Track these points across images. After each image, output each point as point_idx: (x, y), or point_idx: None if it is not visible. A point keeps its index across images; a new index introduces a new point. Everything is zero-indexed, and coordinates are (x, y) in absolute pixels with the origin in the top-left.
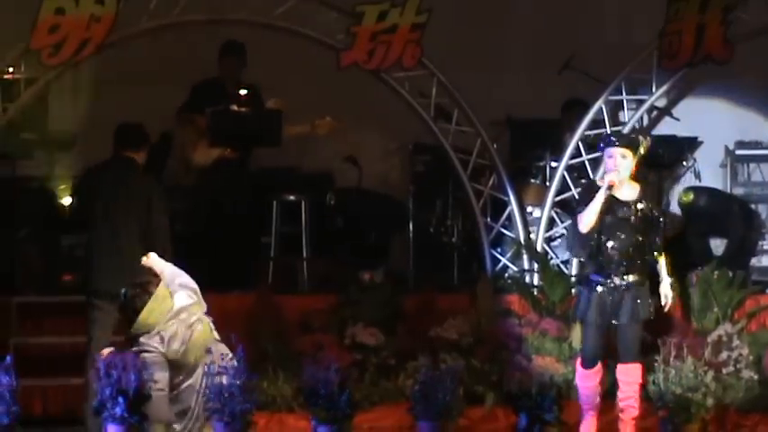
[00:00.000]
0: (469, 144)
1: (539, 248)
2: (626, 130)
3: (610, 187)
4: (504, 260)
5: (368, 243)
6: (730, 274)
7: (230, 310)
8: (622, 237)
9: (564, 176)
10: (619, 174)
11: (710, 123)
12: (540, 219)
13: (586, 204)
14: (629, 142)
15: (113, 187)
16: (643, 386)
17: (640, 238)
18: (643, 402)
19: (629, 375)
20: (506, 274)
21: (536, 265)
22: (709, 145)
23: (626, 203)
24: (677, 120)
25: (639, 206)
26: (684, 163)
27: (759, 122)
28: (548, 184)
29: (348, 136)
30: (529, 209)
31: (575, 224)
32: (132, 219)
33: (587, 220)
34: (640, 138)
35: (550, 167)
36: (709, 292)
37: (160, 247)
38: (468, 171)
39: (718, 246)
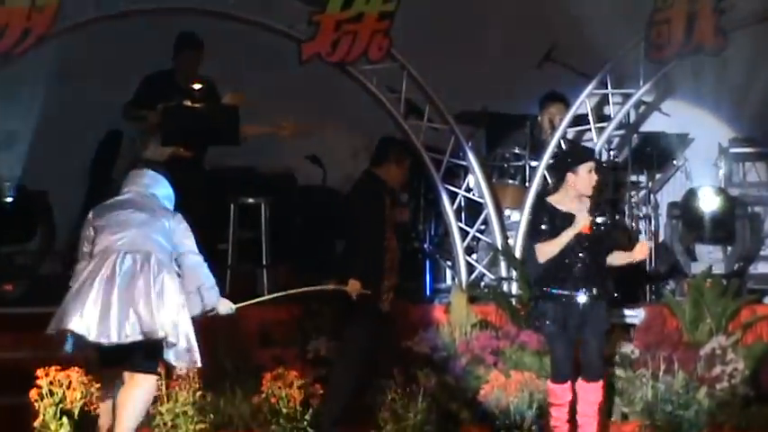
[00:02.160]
0: (442, 142)
1: (517, 255)
2: (612, 126)
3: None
4: (479, 267)
5: (331, 249)
6: (724, 281)
7: None
8: (580, 254)
9: (544, 177)
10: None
11: (702, 119)
12: (518, 223)
13: (546, 235)
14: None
15: None
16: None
17: (599, 252)
18: (627, 419)
19: (589, 393)
20: (482, 283)
21: (514, 273)
22: (702, 142)
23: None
24: (667, 115)
25: (598, 220)
26: (674, 162)
27: (755, 117)
28: (527, 185)
29: (312, 133)
30: (507, 212)
31: (531, 251)
32: None
33: (546, 255)
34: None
35: (530, 167)
36: (702, 301)
37: None
38: (440, 171)
39: (710, 252)
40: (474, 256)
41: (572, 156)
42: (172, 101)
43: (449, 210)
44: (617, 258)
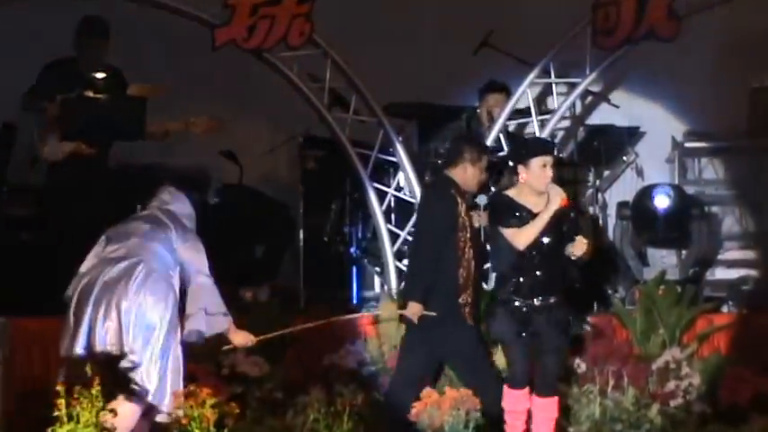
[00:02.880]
0: (370, 136)
1: None
2: (556, 118)
3: (564, 206)
4: None
5: (250, 254)
6: (678, 288)
7: None
8: (540, 254)
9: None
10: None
11: (655, 111)
12: None
13: (513, 224)
14: (554, 148)
15: None
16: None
17: (559, 256)
18: None
19: (545, 410)
20: None
21: None
22: (654, 136)
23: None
24: (616, 107)
25: (560, 223)
26: (624, 158)
27: (711, 109)
28: None
29: (226, 127)
30: None
31: (499, 240)
32: None
33: (527, 238)
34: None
35: None
36: (654, 310)
37: None
38: (368, 168)
39: (663, 256)
40: (405, 261)
41: (526, 147)
42: (73, 91)
43: (377, 210)
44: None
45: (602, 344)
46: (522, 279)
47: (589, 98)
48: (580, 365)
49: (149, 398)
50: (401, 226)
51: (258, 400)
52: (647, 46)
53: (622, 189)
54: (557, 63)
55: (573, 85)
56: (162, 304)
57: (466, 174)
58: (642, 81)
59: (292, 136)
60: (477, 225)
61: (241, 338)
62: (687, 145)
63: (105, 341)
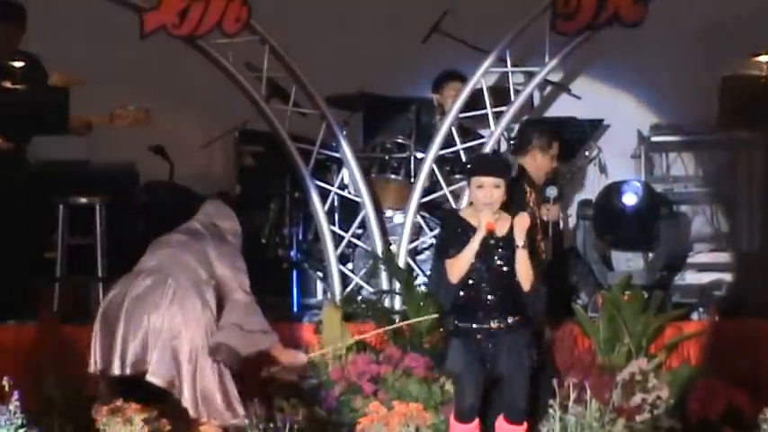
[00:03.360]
0: (312, 130)
1: (401, 263)
2: (512, 110)
3: (488, 231)
4: (356, 279)
5: None
6: (645, 294)
7: (3, 346)
8: (497, 276)
9: (433, 171)
10: (492, 207)
11: (619, 102)
12: (402, 225)
13: (454, 248)
14: (503, 169)
15: None
16: None
17: (512, 270)
18: None
19: None
20: (360, 297)
21: (398, 285)
22: (618, 129)
23: (499, 240)
24: (577, 98)
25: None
26: (587, 153)
27: (680, 100)
28: (412, 181)
29: (156, 120)
30: (388, 213)
31: (437, 269)
32: None
33: (459, 270)
34: (511, 159)
35: (416, 160)
36: (619, 318)
37: None
38: (310, 165)
39: (629, 259)
40: (350, 265)
41: (468, 165)
42: None
43: (319, 210)
44: (518, 263)
45: (562, 354)
46: (475, 303)
47: (548, 88)
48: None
49: (192, 414)
50: (345, 227)
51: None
52: (611, 32)
53: (584, 186)
54: (513, 50)
55: (531, 75)
56: (193, 320)
57: (536, 162)
58: (606, 70)
59: (228, 130)
60: (546, 219)
61: (289, 357)
62: (654, 139)
63: (138, 359)
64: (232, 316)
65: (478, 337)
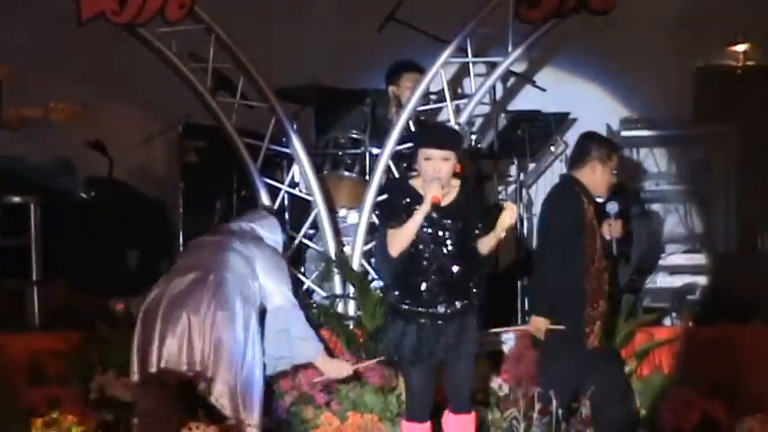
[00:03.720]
0: (260, 124)
1: (355, 266)
2: (473, 103)
3: (433, 206)
4: (308, 282)
5: (122, 260)
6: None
7: None
8: (444, 253)
9: (389, 168)
10: (440, 181)
11: (587, 95)
12: (356, 226)
13: (396, 219)
14: (453, 141)
15: None
16: None
17: (462, 251)
18: None
19: (459, 428)
20: (312, 301)
21: (352, 289)
22: (586, 124)
23: (445, 212)
24: (542, 90)
25: (463, 213)
26: (552, 148)
27: (652, 93)
28: (367, 178)
29: (94, 113)
30: (342, 212)
31: (382, 242)
32: None
33: (400, 244)
34: (465, 129)
35: (371, 156)
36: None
37: None
38: (258, 161)
39: None
40: (301, 268)
41: (418, 135)
42: None
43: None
44: (484, 245)
45: (526, 362)
46: (419, 283)
47: (511, 80)
48: (502, 387)
49: (232, 420)
50: (296, 227)
51: (131, 428)
52: (579, 20)
53: (550, 184)
54: (474, 40)
55: (493, 65)
56: (234, 319)
57: (594, 174)
58: (572, 61)
59: (170, 124)
60: (608, 237)
61: (335, 369)
62: (624, 134)
63: (175, 356)
64: (278, 323)
65: (422, 321)
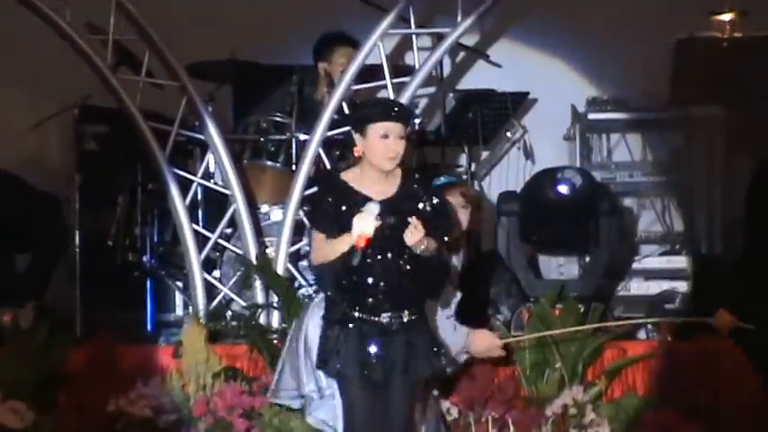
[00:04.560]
0: (170, 106)
1: (279, 270)
2: (417, 81)
3: (361, 248)
4: (225, 290)
5: (8, 265)
6: (581, 308)
7: None
8: (388, 256)
9: (319, 156)
10: (377, 209)
11: (549, 72)
12: (281, 224)
13: (322, 223)
14: (409, 114)
15: None
16: None
17: (413, 254)
18: None
19: None
20: (229, 312)
21: (276, 297)
22: (548, 105)
23: (387, 207)
24: (497, 66)
25: (407, 205)
26: (509, 134)
27: (624, 69)
28: (294, 168)
29: None
30: (264, 208)
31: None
32: None
33: (323, 257)
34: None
35: (298, 142)
36: (549, 337)
37: None
38: (167, 149)
39: (561, 265)
40: (217, 272)
41: (363, 110)
42: None
43: (179, 205)
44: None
45: (479, 382)
46: (363, 285)
47: (461, 55)
48: (450, 411)
49: None
50: (211, 226)
51: None
52: None
53: (506, 175)
54: (418, 8)
55: (440, 38)
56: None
57: None
58: (532, 33)
59: (65, 107)
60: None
61: (484, 343)
62: (592, 116)
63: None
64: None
65: (365, 329)
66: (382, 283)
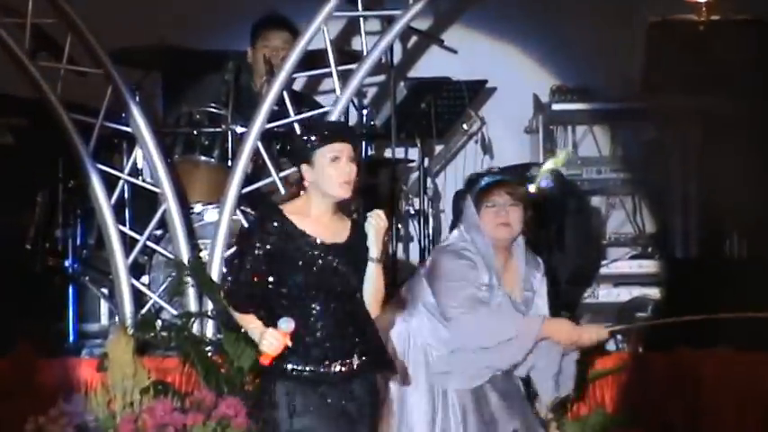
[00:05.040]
0: (93, 96)
1: (214, 275)
2: (365, 68)
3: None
4: (154, 297)
5: None
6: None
7: None
8: (335, 299)
9: (258, 151)
10: (288, 328)
11: (509, 58)
12: (216, 225)
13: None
14: (358, 136)
15: None
16: None
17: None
18: None
19: None
20: (159, 321)
21: (210, 305)
22: (507, 94)
23: (338, 253)
24: (452, 52)
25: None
26: (465, 126)
27: (591, 55)
28: (230, 164)
29: None
30: (198, 208)
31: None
32: None
33: (242, 322)
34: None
35: (235, 136)
36: None
37: None
38: (91, 143)
39: None
40: (145, 278)
41: (306, 135)
42: None
43: (104, 205)
44: (373, 282)
45: None
46: (306, 332)
47: (413, 40)
48: None
49: None
50: (140, 228)
51: None
52: None
53: (462, 172)
54: None
55: (389, 21)
56: None
57: None
58: (490, 16)
59: None
60: None
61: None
62: (556, 107)
63: None
64: None
65: (313, 385)
66: (333, 328)
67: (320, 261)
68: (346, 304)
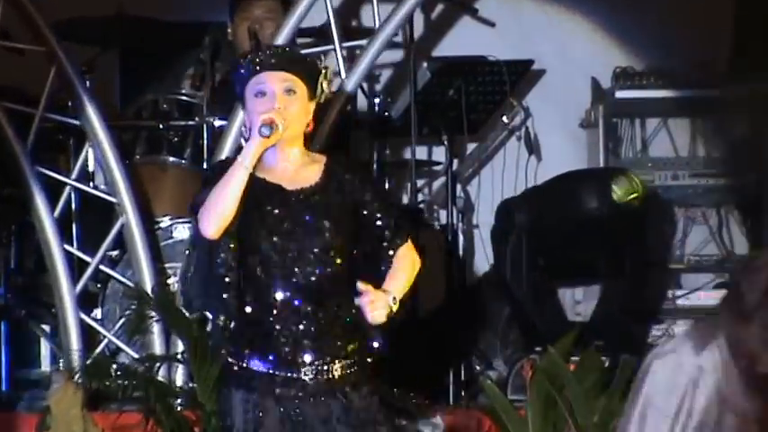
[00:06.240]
0: (34, 80)
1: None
2: (376, 46)
3: (267, 129)
4: (109, 336)
5: None
6: (605, 361)
7: None
8: (307, 270)
9: (241, 149)
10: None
11: (561, 34)
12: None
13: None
14: (301, 65)
15: None
16: None
17: (341, 266)
18: None
19: None
20: (116, 366)
21: (181, 346)
22: (560, 78)
23: (303, 198)
24: (490, 24)
25: (335, 200)
26: (505, 118)
27: (665, 32)
28: (205, 166)
29: None
30: (164, 222)
31: (196, 240)
32: None
33: (215, 209)
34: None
35: (211, 129)
36: (560, 401)
37: None
38: (29, 139)
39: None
40: (98, 312)
41: (244, 63)
42: None
43: (45, 219)
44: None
45: None
46: (268, 327)
47: (438, 8)
48: None
49: None
50: (91, 248)
51: None
52: None
53: (504, 176)
54: None
55: None
56: None
57: None
58: None
59: None
60: None
61: None
62: (620, 94)
63: None
64: None
65: (278, 391)
66: (296, 317)
67: (281, 214)
68: (322, 281)
